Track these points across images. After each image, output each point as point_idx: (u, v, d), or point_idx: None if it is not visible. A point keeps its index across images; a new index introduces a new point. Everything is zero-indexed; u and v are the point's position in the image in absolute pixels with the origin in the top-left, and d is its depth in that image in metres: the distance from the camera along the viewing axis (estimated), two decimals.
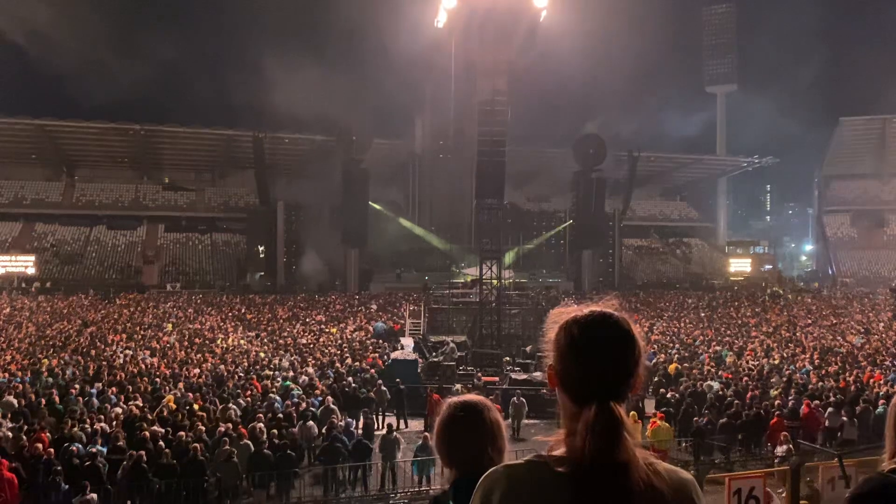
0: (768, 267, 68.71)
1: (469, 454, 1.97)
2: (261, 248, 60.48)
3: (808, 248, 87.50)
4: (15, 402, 17.25)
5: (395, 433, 16.16)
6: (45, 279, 52.21)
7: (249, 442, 14.47)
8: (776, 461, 13.81)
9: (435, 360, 25.24)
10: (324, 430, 15.96)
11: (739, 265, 68.41)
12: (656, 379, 22.41)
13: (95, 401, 17.76)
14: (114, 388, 19.04)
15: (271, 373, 22.54)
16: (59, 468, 12.56)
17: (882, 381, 20.32)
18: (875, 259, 69.54)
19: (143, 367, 23.26)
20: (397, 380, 21.30)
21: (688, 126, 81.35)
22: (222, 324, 35.55)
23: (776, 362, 24.95)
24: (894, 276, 54.50)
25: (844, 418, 16.84)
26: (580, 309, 1.59)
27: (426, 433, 15.91)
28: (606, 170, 58.01)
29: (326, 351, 27.48)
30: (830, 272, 70.11)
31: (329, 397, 18.55)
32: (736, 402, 17.85)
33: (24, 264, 53.52)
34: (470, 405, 2.04)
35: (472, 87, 30.04)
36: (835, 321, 37.60)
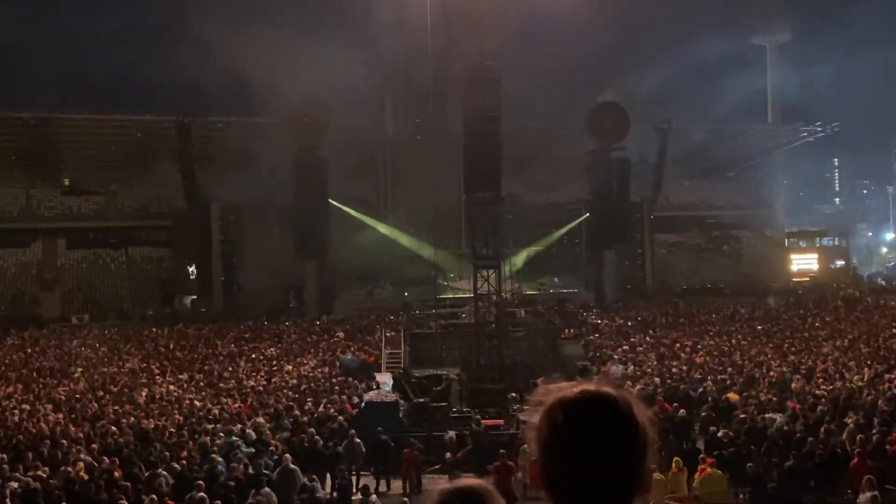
0: (840, 263, 69.29)
1: None
2: (191, 266, 60.22)
3: (890, 236, 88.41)
4: None
5: (372, 496, 16.16)
6: None
7: None
8: None
9: (421, 400, 25.22)
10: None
11: (803, 262, 68.96)
12: (704, 413, 22.50)
13: None
14: (6, 456, 18.85)
15: (211, 426, 22.43)
16: None
17: None
18: None
19: (46, 425, 23.07)
20: (378, 429, 21.29)
21: (731, 89, 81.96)
22: (145, 365, 35.38)
23: (859, 384, 24.98)
24: None
25: None
26: (571, 387, 1.56)
27: (405, 499, 15.99)
28: (630, 148, 58.30)
29: (281, 395, 27.42)
30: None
31: (287, 455, 18.49)
32: (810, 439, 17.93)
33: None
34: (467, 493, 1.96)
35: (454, 49, 30.21)
36: None
